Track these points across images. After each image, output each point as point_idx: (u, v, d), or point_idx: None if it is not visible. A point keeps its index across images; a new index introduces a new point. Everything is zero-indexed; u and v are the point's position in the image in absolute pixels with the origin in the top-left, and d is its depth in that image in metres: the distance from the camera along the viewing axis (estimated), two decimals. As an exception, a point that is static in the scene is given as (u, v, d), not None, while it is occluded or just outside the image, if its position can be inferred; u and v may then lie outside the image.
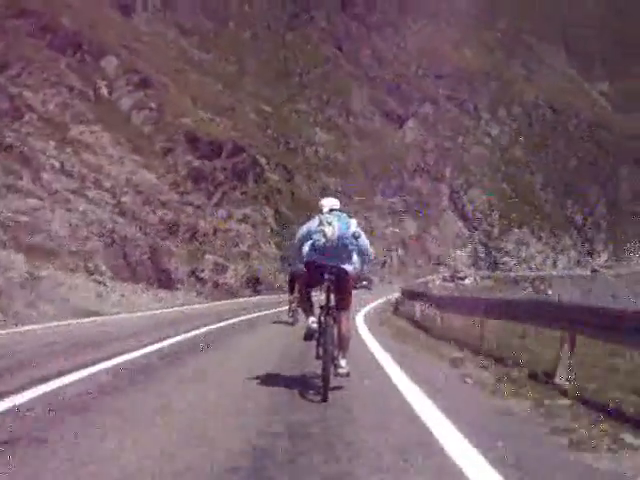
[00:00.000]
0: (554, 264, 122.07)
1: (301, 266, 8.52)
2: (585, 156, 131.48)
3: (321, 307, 7.93)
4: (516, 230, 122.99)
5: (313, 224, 8.01)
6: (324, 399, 7.20)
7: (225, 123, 66.71)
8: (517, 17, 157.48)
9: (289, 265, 22.55)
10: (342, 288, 7.86)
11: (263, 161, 67.87)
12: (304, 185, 79.20)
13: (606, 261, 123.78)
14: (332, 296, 7.81)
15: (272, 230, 56.55)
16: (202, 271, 45.81)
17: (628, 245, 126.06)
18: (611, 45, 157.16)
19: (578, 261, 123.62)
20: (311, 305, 8.37)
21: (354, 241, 7.76)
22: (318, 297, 8.25)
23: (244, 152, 57.47)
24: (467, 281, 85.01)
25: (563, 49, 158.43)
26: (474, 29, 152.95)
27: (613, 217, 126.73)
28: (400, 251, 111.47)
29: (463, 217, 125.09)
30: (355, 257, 8.00)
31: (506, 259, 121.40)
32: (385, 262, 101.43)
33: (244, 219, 54.66)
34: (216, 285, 45.84)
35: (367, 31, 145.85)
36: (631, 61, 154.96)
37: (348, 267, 7.83)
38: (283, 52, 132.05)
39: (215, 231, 50.13)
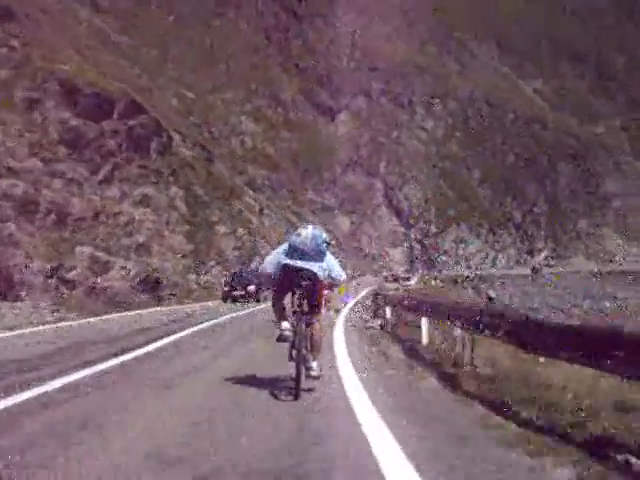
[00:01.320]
0: (494, 262, 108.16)
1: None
2: (523, 152, 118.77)
3: (294, 312, 7.51)
4: (454, 227, 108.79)
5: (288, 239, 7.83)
6: (296, 398, 6.89)
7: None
8: (448, 13, 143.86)
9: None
10: (314, 294, 7.51)
11: (177, 138, 51.00)
12: (227, 173, 62.40)
13: (546, 259, 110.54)
14: (305, 301, 7.47)
15: (182, 216, 39.63)
16: (70, 270, 28.75)
17: (568, 243, 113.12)
18: (542, 44, 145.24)
19: (517, 260, 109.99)
20: (284, 309, 7.80)
21: (325, 245, 7.46)
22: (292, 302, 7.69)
23: (145, 113, 40.40)
24: (412, 281, 70.05)
25: (495, 46, 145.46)
26: (406, 23, 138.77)
27: (552, 214, 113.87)
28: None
29: (398, 214, 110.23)
30: (325, 263, 7.55)
31: (444, 258, 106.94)
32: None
33: (143, 201, 37.76)
34: (92, 290, 28.80)
35: (297, 21, 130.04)
36: (561, 60, 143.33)
37: (320, 272, 7.45)
38: (209, 39, 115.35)
39: (97, 215, 33.14)
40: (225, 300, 32.37)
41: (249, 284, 30.31)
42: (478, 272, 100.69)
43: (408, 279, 71.73)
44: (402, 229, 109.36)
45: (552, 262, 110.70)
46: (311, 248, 7.44)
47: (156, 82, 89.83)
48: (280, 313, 7.80)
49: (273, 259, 7.81)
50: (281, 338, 7.59)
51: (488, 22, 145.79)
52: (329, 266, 7.66)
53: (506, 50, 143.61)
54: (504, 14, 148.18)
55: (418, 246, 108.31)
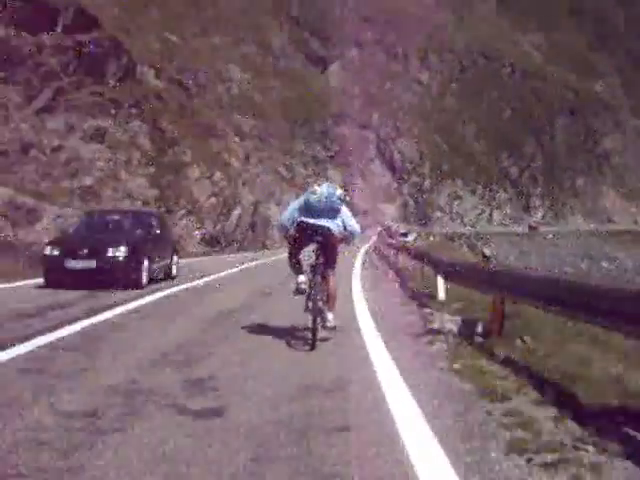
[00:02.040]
0: (489, 220, 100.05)
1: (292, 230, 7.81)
2: (520, 106, 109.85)
3: (311, 266, 7.56)
4: (449, 183, 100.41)
5: (303, 195, 7.82)
6: (312, 348, 6.88)
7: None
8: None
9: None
10: (329, 249, 7.55)
11: (151, 74, 41.94)
12: (206, 111, 53.17)
13: (543, 217, 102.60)
14: (320, 255, 7.50)
15: (144, 155, 30.74)
16: (-24, 219, 20.20)
17: (566, 201, 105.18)
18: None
19: (513, 217, 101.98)
20: (299, 263, 7.85)
21: (339, 202, 7.50)
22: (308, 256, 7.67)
23: (99, 27, 31.20)
24: (410, 237, 62.33)
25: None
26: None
27: (549, 171, 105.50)
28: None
29: (392, 168, 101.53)
30: (339, 219, 7.61)
31: (438, 214, 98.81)
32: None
33: (95, 135, 28.82)
34: (8, 247, 20.13)
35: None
36: (559, 14, 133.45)
37: (334, 227, 7.49)
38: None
39: (27, 148, 24.23)
40: (48, 280, 13.38)
41: (115, 243, 13.52)
42: (473, 229, 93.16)
43: (405, 235, 64.51)
44: (395, 184, 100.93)
45: (549, 220, 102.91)
46: (326, 206, 7.42)
47: (137, 24, 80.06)
48: (296, 267, 7.80)
49: (288, 214, 7.78)
50: (298, 291, 7.63)
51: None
52: (344, 221, 7.68)
53: (504, 3, 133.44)
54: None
55: (411, 201, 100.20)
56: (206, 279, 16.33)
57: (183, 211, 31.05)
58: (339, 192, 7.48)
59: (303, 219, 7.43)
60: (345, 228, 7.61)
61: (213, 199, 33.50)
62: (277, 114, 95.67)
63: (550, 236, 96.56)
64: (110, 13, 69.02)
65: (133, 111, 31.81)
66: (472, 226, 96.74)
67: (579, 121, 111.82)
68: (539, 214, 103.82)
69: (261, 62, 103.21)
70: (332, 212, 7.42)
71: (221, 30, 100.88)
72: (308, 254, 7.66)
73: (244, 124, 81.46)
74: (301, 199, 7.66)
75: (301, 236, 7.55)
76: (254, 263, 24.08)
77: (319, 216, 7.37)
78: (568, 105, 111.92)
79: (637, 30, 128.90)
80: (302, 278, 7.57)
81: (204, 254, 31.82)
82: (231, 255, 31.59)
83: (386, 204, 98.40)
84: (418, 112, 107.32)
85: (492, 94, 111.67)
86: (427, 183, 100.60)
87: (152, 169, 30.66)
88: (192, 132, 36.00)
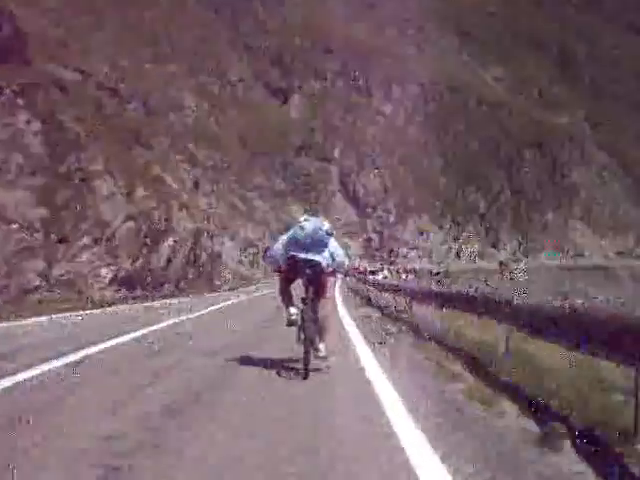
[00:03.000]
0: (457, 255, 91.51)
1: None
2: (487, 139, 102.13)
3: (302, 298, 7.36)
4: (415, 218, 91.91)
5: (291, 229, 7.62)
6: (305, 377, 6.77)
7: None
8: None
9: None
10: (319, 281, 7.39)
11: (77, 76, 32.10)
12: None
13: (513, 253, 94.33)
14: (310, 288, 7.33)
15: (32, 159, 20.75)
16: None
17: (535, 236, 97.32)
18: (502, 33, 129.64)
19: (482, 252, 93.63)
20: (290, 296, 7.74)
21: (327, 236, 7.30)
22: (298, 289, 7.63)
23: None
24: (380, 276, 53.28)
25: (455, 35, 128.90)
26: (362, 5, 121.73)
27: (518, 205, 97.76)
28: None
29: (355, 202, 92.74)
30: (327, 252, 7.42)
31: (405, 250, 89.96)
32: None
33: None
34: None
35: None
36: (522, 49, 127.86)
37: (323, 261, 7.32)
38: (151, 11, 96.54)
39: None
40: None
41: None
42: (444, 266, 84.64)
43: (374, 273, 55.98)
44: (359, 219, 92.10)
45: (519, 256, 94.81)
46: (313, 240, 7.26)
47: (85, 46, 70.45)
48: (288, 300, 7.70)
49: (279, 248, 7.58)
50: (290, 323, 7.53)
51: (448, 10, 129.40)
52: (332, 253, 7.49)
53: (466, 39, 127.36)
54: (464, 2, 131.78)
55: (376, 237, 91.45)
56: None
57: (85, 239, 21.03)
58: (326, 226, 7.31)
59: (293, 253, 7.24)
60: (334, 259, 7.37)
61: (131, 223, 23.41)
62: (235, 145, 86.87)
63: (520, 273, 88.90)
64: (52, 34, 59.45)
65: (19, 101, 22.03)
66: (439, 263, 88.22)
67: (546, 154, 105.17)
68: (508, 249, 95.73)
69: (218, 92, 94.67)
70: (320, 246, 7.23)
71: (177, 58, 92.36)
72: (299, 287, 7.37)
73: (200, 155, 72.13)
74: (289, 234, 7.45)
75: (291, 270, 7.40)
76: (166, 324, 13.51)
77: (308, 250, 7.21)
78: (534, 138, 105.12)
79: (598, 62, 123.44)
80: (293, 310, 7.45)
81: (123, 300, 21.85)
82: (159, 302, 21.55)
83: (350, 240, 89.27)
84: (382, 145, 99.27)
85: (457, 127, 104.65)
86: (392, 218, 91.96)
87: (41, 179, 20.77)
88: (109, 137, 26.02)
